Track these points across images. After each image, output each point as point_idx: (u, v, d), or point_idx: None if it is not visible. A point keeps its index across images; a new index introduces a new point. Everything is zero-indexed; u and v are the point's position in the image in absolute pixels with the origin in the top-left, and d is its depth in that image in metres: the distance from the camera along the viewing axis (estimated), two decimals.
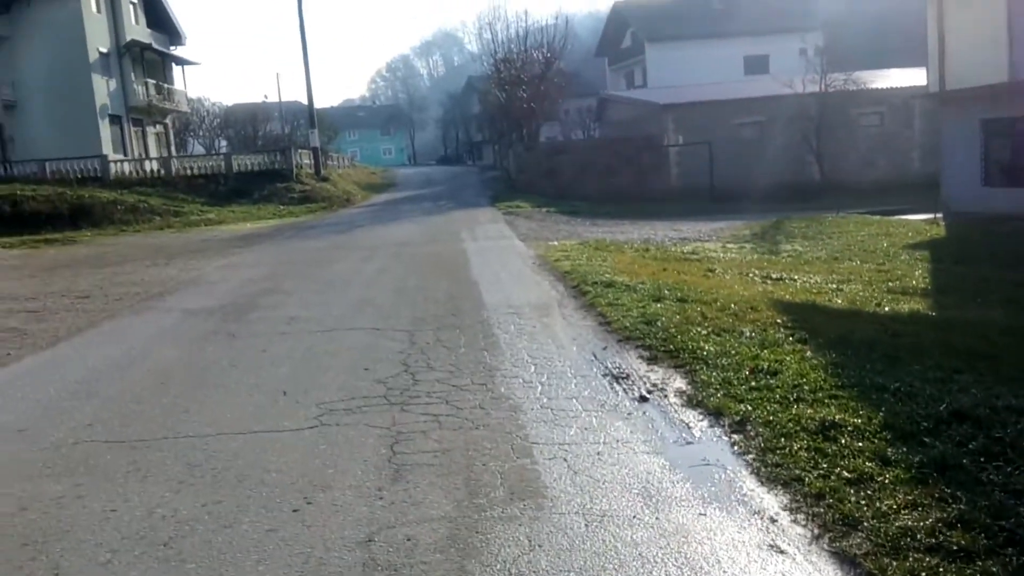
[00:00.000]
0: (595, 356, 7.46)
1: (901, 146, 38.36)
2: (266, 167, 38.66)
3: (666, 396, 6.16)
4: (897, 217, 26.07)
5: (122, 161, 38.41)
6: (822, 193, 34.95)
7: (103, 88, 41.30)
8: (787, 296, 10.24)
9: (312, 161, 41.15)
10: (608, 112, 45.61)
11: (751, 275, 13.38)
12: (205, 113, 78.43)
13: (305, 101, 43.39)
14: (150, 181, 36.16)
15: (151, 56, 46.05)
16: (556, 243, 17.56)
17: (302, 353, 8.06)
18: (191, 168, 38.16)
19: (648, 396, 6.18)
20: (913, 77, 39.76)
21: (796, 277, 13.18)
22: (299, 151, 41.75)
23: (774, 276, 13.28)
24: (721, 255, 17.34)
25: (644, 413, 5.82)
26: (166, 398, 6.56)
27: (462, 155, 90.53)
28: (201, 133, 76.15)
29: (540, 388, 6.49)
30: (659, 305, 9.27)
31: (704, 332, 7.78)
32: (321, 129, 53.57)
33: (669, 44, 57.70)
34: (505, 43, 43.77)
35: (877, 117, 38.62)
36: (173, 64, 49.82)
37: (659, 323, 8.28)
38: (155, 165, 38.63)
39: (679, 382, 6.49)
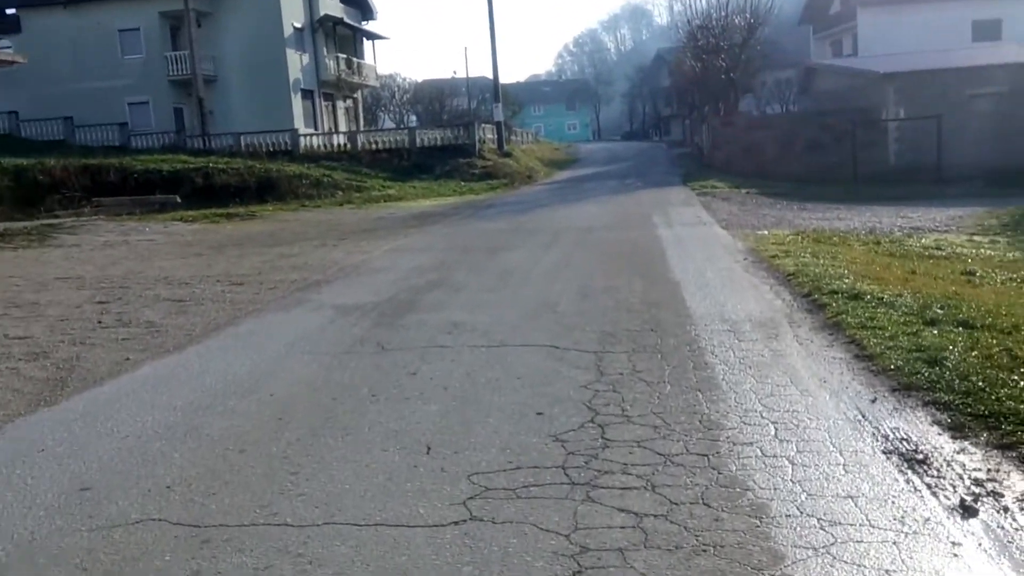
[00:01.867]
0: (862, 414, 5.20)
1: None
2: (449, 142, 37.88)
3: (1007, 510, 3.87)
4: None
5: (311, 135, 38.80)
6: None
7: (296, 63, 41.90)
8: None
9: (495, 136, 39.98)
10: (815, 83, 41.45)
11: (1011, 286, 10.45)
12: (396, 88, 79.84)
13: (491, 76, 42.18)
14: (336, 155, 36.24)
15: (343, 31, 46.41)
16: (766, 232, 15.03)
17: (459, 381, 6.28)
18: (376, 143, 37.96)
19: (975, 506, 3.92)
20: None
21: None
22: (482, 126, 40.71)
23: None
24: (972, 252, 14.21)
25: (979, 544, 3.58)
26: (276, 446, 4.96)
27: (648, 131, 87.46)
28: (391, 108, 77.62)
29: (791, 470, 4.36)
30: (935, 331, 6.81)
31: None
32: (505, 103, 52.52)
33: (884, 8, 52.10)
34: (704, 8, 40.56)
35: None
36: (364, 39, 50.16)
37: (948, 362, 5.87)
38: (342, 139, 38.73)
39: (1020, 479, 4.16)
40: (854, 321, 7.35)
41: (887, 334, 6.82)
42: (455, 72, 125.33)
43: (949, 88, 32.60)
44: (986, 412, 4.97)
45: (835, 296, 8.40)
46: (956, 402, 5.17)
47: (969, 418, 4.94)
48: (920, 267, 11.36)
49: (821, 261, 10.88)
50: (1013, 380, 5.40)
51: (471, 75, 78.03)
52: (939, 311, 7.51)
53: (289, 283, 11.21)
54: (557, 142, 66.28)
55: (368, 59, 50.38)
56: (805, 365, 6.35)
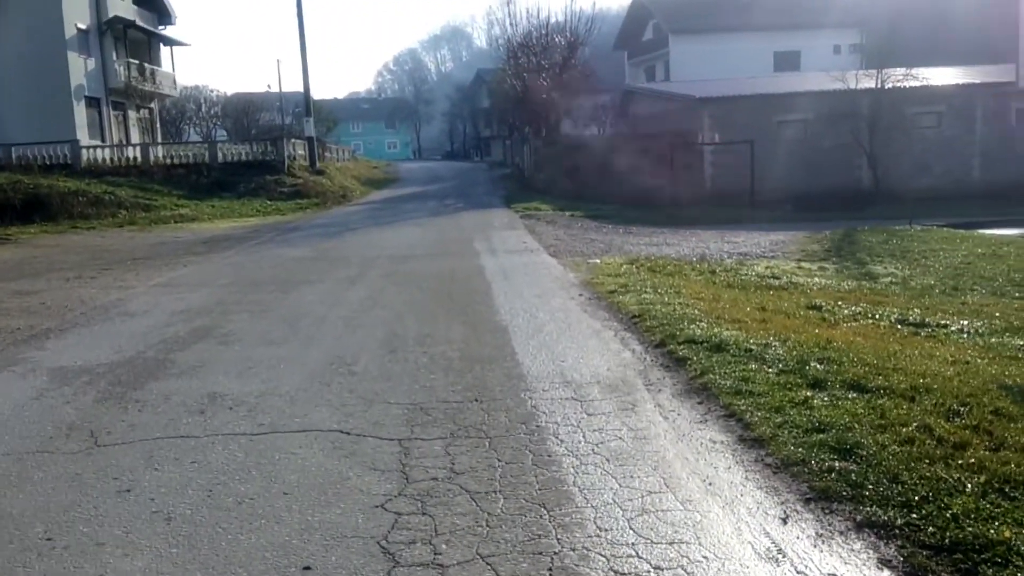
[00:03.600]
0: (777, 546, 3.62)
1: (960, 151, 34.38)
2: (255, 158, 34.86)
3: None
4: (984, 231, 22.17)
5: (96, 147, 34.63)
6: (874, 201, 31.18)
7: (80, 67, 37.48)
8: (1015, 374, 6.33)
9: (307, 152, 37.28)
10: (633, 107, 41.62)
11: (877, 318, 9.55)
12: (202, 100, 74.93)
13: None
14: (125, 170, 32.39)
15: (136, 34, 42.18)
16: (598, 261, 13.70)
17: (194, 503, 4.21)
18: (172, 157, 34.36)
19: None
20: (971, 76, 36.04)
21: (946, 323, 9.34)
22: (292, 141, 37.90)
23: (911, 320, 9.45)
24: (806, 280, 13.54)
25: None
26: None
27: (469, 151, 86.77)
28: (197, 122, 72.70)
29: None
30: (824, 398, 5.42)
31: (978, 482, 3.94)
32: (320, 119, 49.85)
33: (694, 37, 53.99)
34: (524, 27, 39.74)
35: (934, 118, 34.63)
36: (161, 44, 45.98)
37: (862, 452, 4.43)
38: (134, 152, 34.82)
39: None
40: (725, 384, 5.86)
41: (771, 403, 5.35)
42: (269, 86, 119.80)
43: (759, 114, 33.31)
44: (946, 541, 3.49)
45: (694, 347, 6.94)
46: (899, 523, 3.68)
47: (928, 553, 3.44)
48: (766, 302, 10.29)
49: (665, 298, 9.52)
50: (959, 481, 3.99)
51: (287, 90, 74.18)
52: (819, 367, 6.17)
53: (8, 333, 8.58)
54: (376, 160, 63.96)
55: (166, 67, 46.20)
56: (679, 455, 4.74)
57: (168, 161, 33.88)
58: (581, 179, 33.49)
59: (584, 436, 5.06)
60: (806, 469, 4.33)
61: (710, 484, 4.31)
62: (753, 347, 6.79)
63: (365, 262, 13.94)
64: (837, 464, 4.32)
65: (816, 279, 13.84)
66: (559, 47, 39.21)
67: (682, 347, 6.97)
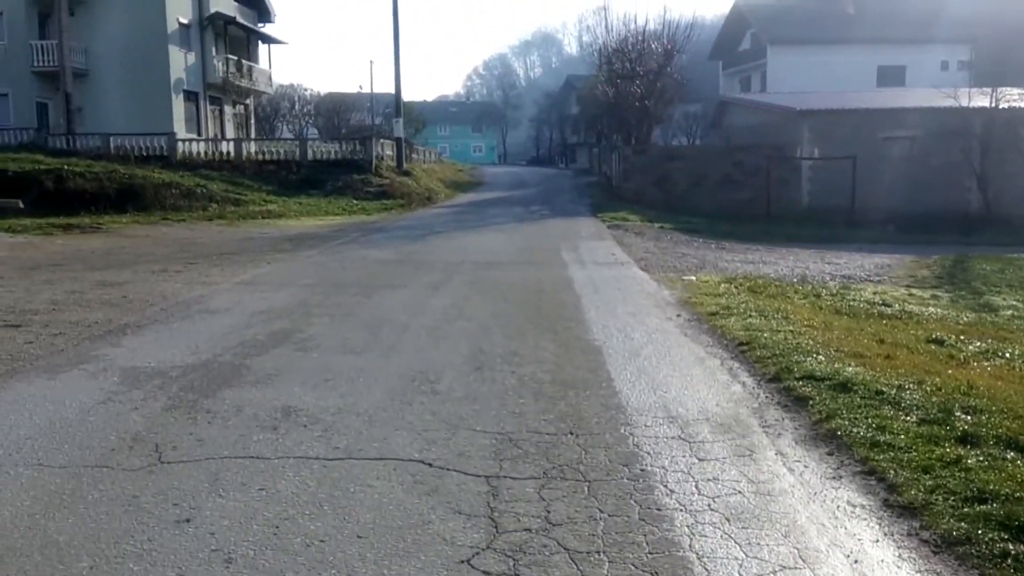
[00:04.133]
0: None
1: None
2: (344, 157, 35.02)
3: None
4: None
5: (191, 140, 35.29)
6: (984, 225, 29.36)
7: (180, 61, 38.36)
8: None
9: (394, 153, 37.32)
10: (727, 118, 40.40)
11: (1008, 357, 8.59)
12: (296, 99, 76.41)
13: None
14: (218, 164, 32.88)
15: (235, 31, 43.02)
16: (693, 278, 12.94)
17: (255, 541, 3.73)
18: (263, 153, 34.77)
19: None
20: None
21: None
22: (381, 141, 38.00)
23: None
24: (920, 310, 12.51)
25: None
26: None
27: (554, 157, 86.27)
28: (290, 119, 74.17)
29: None
30: (979, 457, 4.64)
31: None
32: (408, 120, 50.00)
33: (793, 48, 52.42)
34: (619, 32, 38.92)
35: None
36: (259, 41, 46.84)
37: None
38: (227, 147, 35.34)
39: None
40: (858, 432, 5.12)
41: (916, 460, 4.61)
42: (360, 87, 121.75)
43: (863, 129, 31.84)
44: None
45: (814, 384, 6.20)
46: None
47: None
48: (882, 333, 9.43)
49: (772, 324, 8.75)
50: None
51: (377, 91, 75.24)
52: (966, 418, 5.38)
53: (85, 327, 8.37)
54: (461, 163, 64.05)
55: (263, 64, 47.03)
56: (812, 519, 4.05)
57: (260, 157, 34.30)
58: (671, 190, 32.60)
59: (697, 487, 4.41)
60: (974, 551, 3.60)
61: (856, 562, 3.62)
62: (884, 388, 6.01)
63: (449, 268, 13.49)
64: (1011, 547, 3.58)
65: (931, 308, 12.80)
66: (655, 54, 38.30)
67: (800, 383, 6.24)
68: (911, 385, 6.17)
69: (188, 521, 3.94)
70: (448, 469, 4.63)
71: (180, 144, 33.76)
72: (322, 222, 23.74)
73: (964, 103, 30.08)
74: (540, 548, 3.70)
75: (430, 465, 4.68)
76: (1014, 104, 29.98)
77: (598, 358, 7.28)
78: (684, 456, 4.87)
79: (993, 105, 29.97)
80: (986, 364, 8.13)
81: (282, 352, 7.38)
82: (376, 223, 23.49)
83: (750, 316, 9.12)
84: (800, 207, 31.45)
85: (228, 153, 34.37)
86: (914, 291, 14.93)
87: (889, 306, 12.52)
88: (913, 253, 20.89)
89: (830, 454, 4.93)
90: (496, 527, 3.90)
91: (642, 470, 4.65)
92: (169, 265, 13.37)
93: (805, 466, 4.76)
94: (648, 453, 4.91)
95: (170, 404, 5.79)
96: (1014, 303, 14.10)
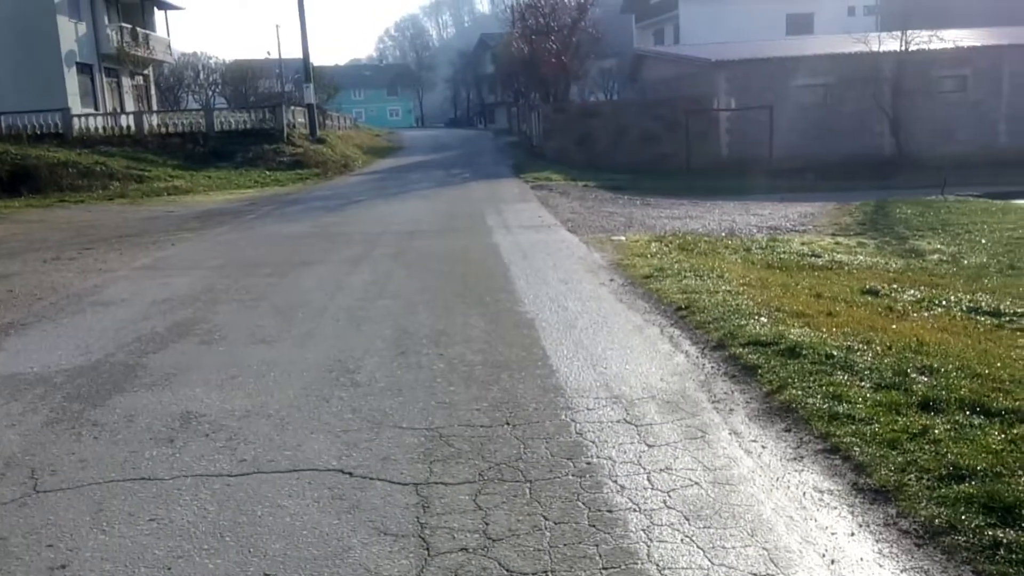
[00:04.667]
0: None
1: (986, 116, 32.98)
2: (254, 126, 33.56)
3: None
4: (1022, 202, 20.95)
5: (88, 116, 33.29)
6: (898, 168, 29.86)
7: (70, 32, 36.05)
8: None
9: (306, 120, 35.95)
10: (644, 71, 40.14)
11: (945, 305, 8.44)
12: (200, 68, 73.53)
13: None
14: (119, 139, 31.12)
15: None
16: (623, 238, 12.56)
17: None
18: (167, 126, 33.03)
19: None
20: (996, 38, 34.48)
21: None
22: (292, 109, 36.57)
23: (984, 308, 8.34)
24: (850, 259, 12.41)
25: None
26: None
27: (472, 118, 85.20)
28: (195, 89, 71.36)
29: None
30: (947, 426, 4.33)
31: None
32: (320, 86, 48.33)
33: None
34: None
35: (959, 82, 33.17)
36: (155, 8, 44.42)
37: None
38: (127, 121, 33.46)
39: None
40: (814, 403, 4.76)
41: (880, 434, 4.26)
42: (268, 53, 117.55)
43: (777, 78, 31.93)
44: None
45: (760, 350, 5.84)
46: None
47: None
48: (818, 286, 9.21)
49: (709, 284, 8.40)
50: None
51: (286, 56, 72.59)
52: (922, 379, 5.08)
53: None
54: (379, 128, 62.55)
55: (161, 32, 44.71)
56: (778, 511, 3.65)
57: (163, 130, 32.60)
58: (592, 147, 32.23)
59: (649, 479, 3.98)
60: (961, 542, 3.25)
61: (833, 563, 3.23)
62: (833, 351, 5.68)
63: (369, 240, 12.82)
64: (1001, 535, 3.24)
65: (860, 257, 12.71)
66: (568, 8, 37.61)
67: (747, 350, 5.87)
68: (859, 345, 5.86)
69: (63, 568, 3.33)
70: (371, 478, 4.09)
71: (76, 120, 31.82)
72: (232, 196, 22.62)
73: (874, 48, 30.37)
74: (479, 572, 3.21)
75: (350, 475, 4.14)
76: (923, 46, 30.36)
77: (531, 333, 6.79)
78: (632, 443, 4.44)
79: (903, 48, 30.29)
80: (926, 315, 7.93)
81: (183, 347, 6.68)
82: (291, 195, 22.50)
83: (685, 277, 8.75)
84: (720, 159, 31.48)
85: (129, 127, 32.56)
86: (840, 239, 14.87)
87: (819, 256, 12.37)
88: (834, 200, 20.99)
89: (787, 430, 4.55)
90: (428, 548, 3.39)
91: (588, 463, 4.19)
92: (63, 252, 12.36)
93: (763, 446, 4.37)
94: (593, 442, 4.46)
95: (52, 417, 5.09)
96: (939, 247, 14.15)
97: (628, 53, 52.04)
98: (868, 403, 4.72)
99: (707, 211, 18.39)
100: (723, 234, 14.32)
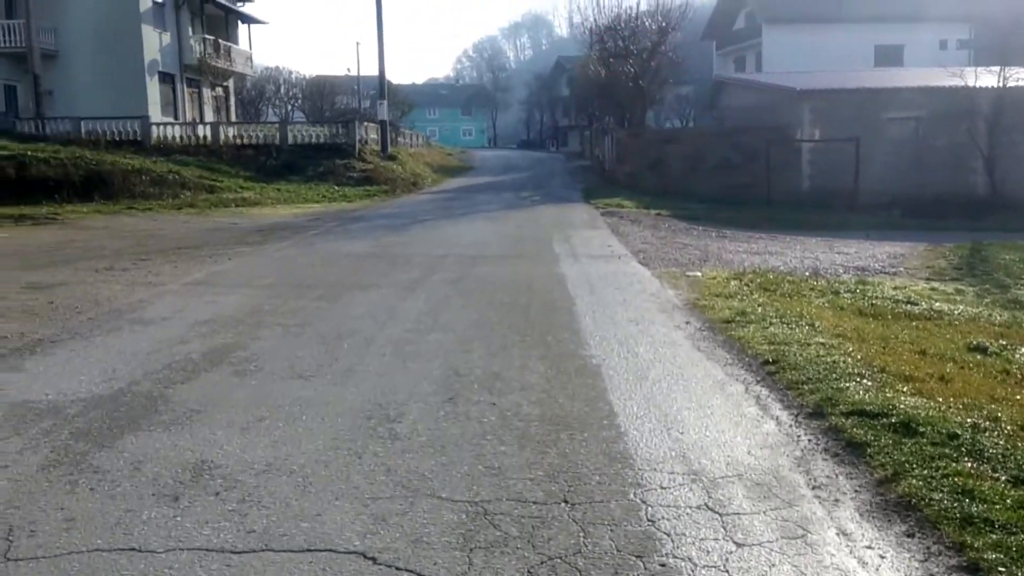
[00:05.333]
0: None
1: None
2: (326, 141, 33.58)
3: None
4: None
5: (167, 124, 33.76)
6: (991, 209, 28.20)
7: (154, 41, 36.73)
8: None
9: (379, 136, 35.87)
10: (724, 98, 39.04)
11: None
12: (282, 82, 74.75)
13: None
14: (194, 149, 31.41)
15: (212, 10, 41.40)
16: (699, 274, 11.70)
17: None
18: (241, 137, 33.24)
19: None
20: None
21: None
22: (365, 125, 36.54)
23: None
24: (948, 308, 11.30)
25: None
26: None
27: (545, 141, 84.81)
28: (276, 103, 72.55)
29: None
30: None
31: None
32: (394, 103, 48.52)
33: (789, 27, 50.93)
34: (612, 9, 37.36)
35: None
36: (239, 21, 45.18)
37: None
38: (204, 131, 33.81)
39: None
40: (939, 499, 3.89)
41: None
42: (348, 69, 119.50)
43: (865, 110, 30.55)
44: None
45: (867, 423, 4.97)
46: None
47: None
48: (919, 340, 8.24)
49: (798, 333, 7.52)
50: None
51: (364, 74, 73.43)
52: None
53: None
54: (451, 147, 62.58)
55: (243, 45, 45.43)
56: None
57: (238, 141, 32.83)
58: (667, 174, 31.30)
59: None
60: None
61: None
62: (957, 430, 4.78)
63: (429, 263, 12.22)
64: None
65: (960, 307, 11.60)
66: (648, 31, 36.82)
67: (850, 422, 5.00)
68: (985, 423, 4.95)
69: None
70: (398, 568, 3.38)
71: (155, 128, 32.28)
72: (299, 210, 22.40)
73: (970, 82, 28.88)
74: None
75: (374, 560, 3.44)
76: (1022, 83, 28.75)
77: (597, 382, 6.03)
78: (716, 538, 3.64)
79: (1001, 84, 28.72)
80: None
81: (215, 377, 6.10)
82: (356, 211, 22.17)
83: (771, 324, 7.88)
84: (801, 191, 30.22)
85: (205, 137, 32.89)
86: (935, 285, 13.74)
87: (915, 304, 11.32)
88: (924, 240, 19.75)
89: (910, 535, 3.69)
90: None
91: (662, 565, 3.41)
92: (117, 262, 12.06)
93: (881, 556, 3.53)
94: (668, 534, 3.68)
95: (51, 459, 4.51)
96: None
97: (706, 80, 51.03)
98: (1008, 503, 3.84)
99: (787, 247, 17.38)
100: (807, 273, 13.34)
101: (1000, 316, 11.21)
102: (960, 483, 4.07)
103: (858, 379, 5.91)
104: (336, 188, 28.32)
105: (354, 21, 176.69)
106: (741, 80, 39.67)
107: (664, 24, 36.78)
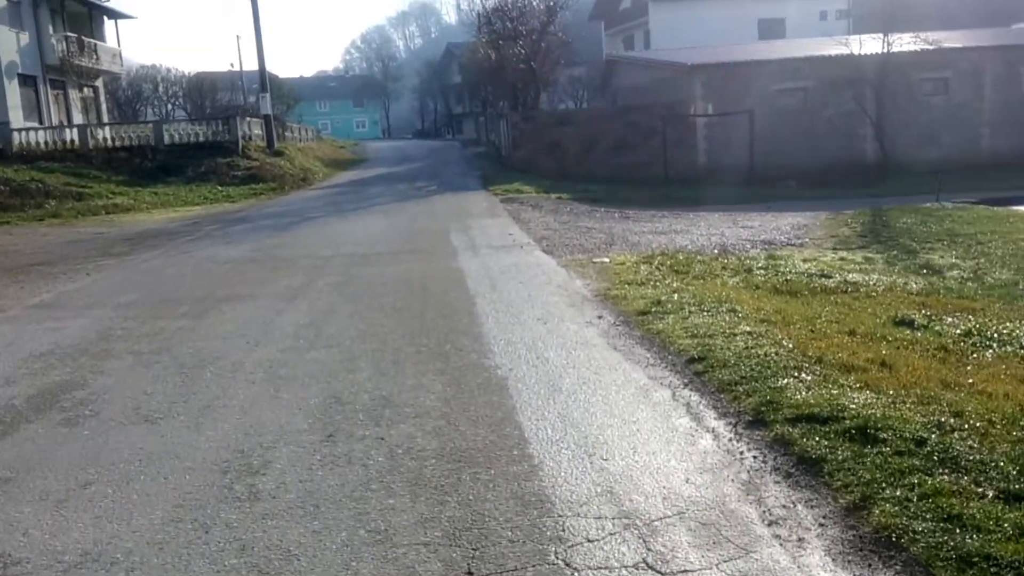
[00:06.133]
0: None
1: (969, 120, 31.92)
2: (207, 139, 31.64)
3: None
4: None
5: (30, 130, 31.18)
6: (883, 175, 28.75)
7: (11, 41, 33.90)
8: None
9: (263, 132, 34.12)
10: (616, 78, 38.71)
11: (1005, 343, 6.94)
12: (159, 80, 71.16)
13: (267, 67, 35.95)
14: (61, 155, 29.08)
15: (74, 6, 38.58)
16: (606, 259, 10.99)
17: None
18: (112, 139, 31.00)
19: None
20: (979, 40, 33.51)
21: None
22: (248, 120, 34.68)
23: None
24: (863, 279, 10.93)
25: None
26: None
27: (440, 129, 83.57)
28: (155, 102, 69.01)
29: None
30: None
31: None
32: (279, 96, 46.57)
33: (675, 4, 51.17)
34: None
35: (942, 84, 32.07)
36: (104, 17, 42.32)
37: None
38: (71, 135, 31.40)
39: None
40: (924, 531, 3.19)
41: None
42: (232, 64, 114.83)
43: (755, 82, 30.65)
44: None
45: (817, 429, 4.25)
46: None
47: None
48: (844, 318, 7.71)
49: (720, 322, 6.83)
50: None
51: (248, 68, 70.51)
52: None
53: None
54: (344, 140, 60.71)
55: (111, 42, 42.62)
56: None
57: (110, 144, 30.60)
58: (563, 157, 30.72)
59: None
60: None
61: None
62: (921, 432, 4.11)
63: (315, 266, 11.12)
64: None
65: (873, 276, 11.25)
66: (536, 12, 36.10)
67: (797, 431, 4.28)
68: (950, 419, 4.30)
69: None
70: None
71: (16, 134, 29.75)
72: (176, 214, 20.78)
73: (855, 50, 29.26)
74: None
75: None
76: (906, 48, 29.29)
77: (503, 400, 5.17)
78: None
79: (885, 50, 29.18)
80: (988, 356, 6.43)
81: (38, 429, 4.97)
82: (239, 212, 20.70)
83: (690, 312, 7.17)
84: (698, 167, 30.12)
85: (72, 141, 30.50)
86: (844, 255, 13.44)
87: (829, 277, 10.89)
88: (823, 210, 19.71)
89: None
90: None
91: None
92: None
93: None
94: None
95: None
96: (954, 261, 12.77)
97: (597, 61, 50.79)
98: (1007, 530, 3.16)
99: (692, 224, 16.93)
100: (715, 251, 12.82)
101: (915, 283, 10.90)
102: (944, 506, 3.37)
103: (796, 374, 5.22)
104: (219, 189, 26.64)
105: (234, 14, 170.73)
106: (632, 58, 39.42)
107: (552, 3, 36.10)
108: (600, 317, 7.35)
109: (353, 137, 72.77)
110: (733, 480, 3.89)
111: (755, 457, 4.14)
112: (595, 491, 3.81)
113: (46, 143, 30.10)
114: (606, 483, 3.90)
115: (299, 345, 6.78)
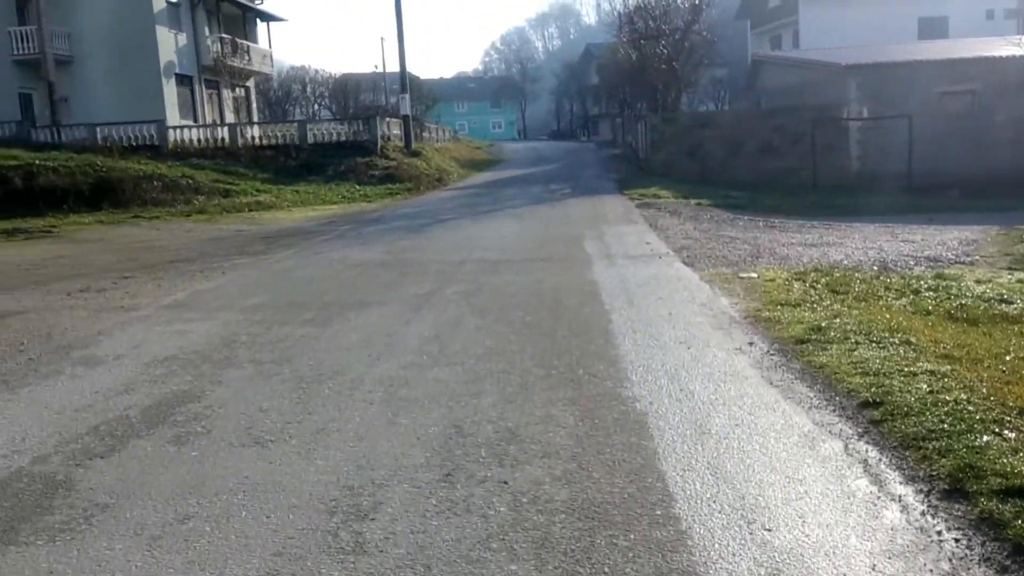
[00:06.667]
0: None
1: None
2: (348, 138, 32.32)
3: None
4: None
5: (184, 128, 32.70)
6: None
7: (170, 43, 35.74)
8: None
9: (402, 132, 34.53)
10: (761, 79, 37.09)
11: None
12: (307, 81, 73.78)
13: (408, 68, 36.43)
14: (212, 152, 30.32)
15: (229, 9, 40.35)
16: (754, 275, 10.12)
17: None
18: (259, 138, 32.06)
19: None
20: None
21: None
22: (387, 120, 35.21)
23: None
24: None
25: None
26: None
27: (576, 130, 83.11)
28: (302, 102, 71.63)
29: None
30: None
31: None
32: (419, 97, 47.21)
33: (826, 2, 48.74)
34: None
35: None
36: (257, 19, 44.07)
37: None
38: (222, 133, 32.70)
39: None
40: None
41: None
42: (376, 66, 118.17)
43: (916, 85, 28.54)
44: None
45: None
46: None
47: None
48: None
49: (894, 356, 5.94)
50: None
51: (391, 70, 72.16)
52: None
53: None
54: (480, 140, 61.16)
55: (263, 43, 44.33)
56: None
57: (256, 142, 31.67)
58: (705, 160, 29.59)
59: None
60: None
61: None
62: None
63: (444, 272, 10.78)
64: None
65: None
66: (681, 10, 34.97)
67: (1009, 508, 3.47)
68: None
69: None
70: None
71: (171, 132, 31.27)
72: (315, 213, 21.10)
73: None
74: None
75: None
76: None
77: (643, 442, 4.54)
78: None
79: None
80: None
81: (146, 447, 4.71)
82: (375, 212, 20.79)
83: (857, 343, 6.31)
84: (850, 174, 28.34)
85: (223, 139, 31.78)
86: (1022, 275, 12.01)
87: (1010, 303, 9.62)
88: (994, 224, 17.92)
89: None
90: None
91: None
92: (97, 281, 10.78)
93: None
94: None
95: None
96: None
97: (740, 61, 49.02)
98: None
99: (845, 236, 15.69)
100: (875, 268, 11.69)
101: None
102: None
103: (996, 429, 4.36)
104: (357, 187, 27.03)
105: (378, 17, 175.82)
106: (781, 58, 37.66)
107: (698, 2, 34.89)
108: (751, 344, 6.59)
109: (489, 138, 73.32)
110: (932, 571, 3.14)
111: (956, 540, 3.36)
112: (758, 573, 3.15)
113: (198, 141, 31.45)
114: (771, 563, 3.22)
115: (422, 361, 6.36)
